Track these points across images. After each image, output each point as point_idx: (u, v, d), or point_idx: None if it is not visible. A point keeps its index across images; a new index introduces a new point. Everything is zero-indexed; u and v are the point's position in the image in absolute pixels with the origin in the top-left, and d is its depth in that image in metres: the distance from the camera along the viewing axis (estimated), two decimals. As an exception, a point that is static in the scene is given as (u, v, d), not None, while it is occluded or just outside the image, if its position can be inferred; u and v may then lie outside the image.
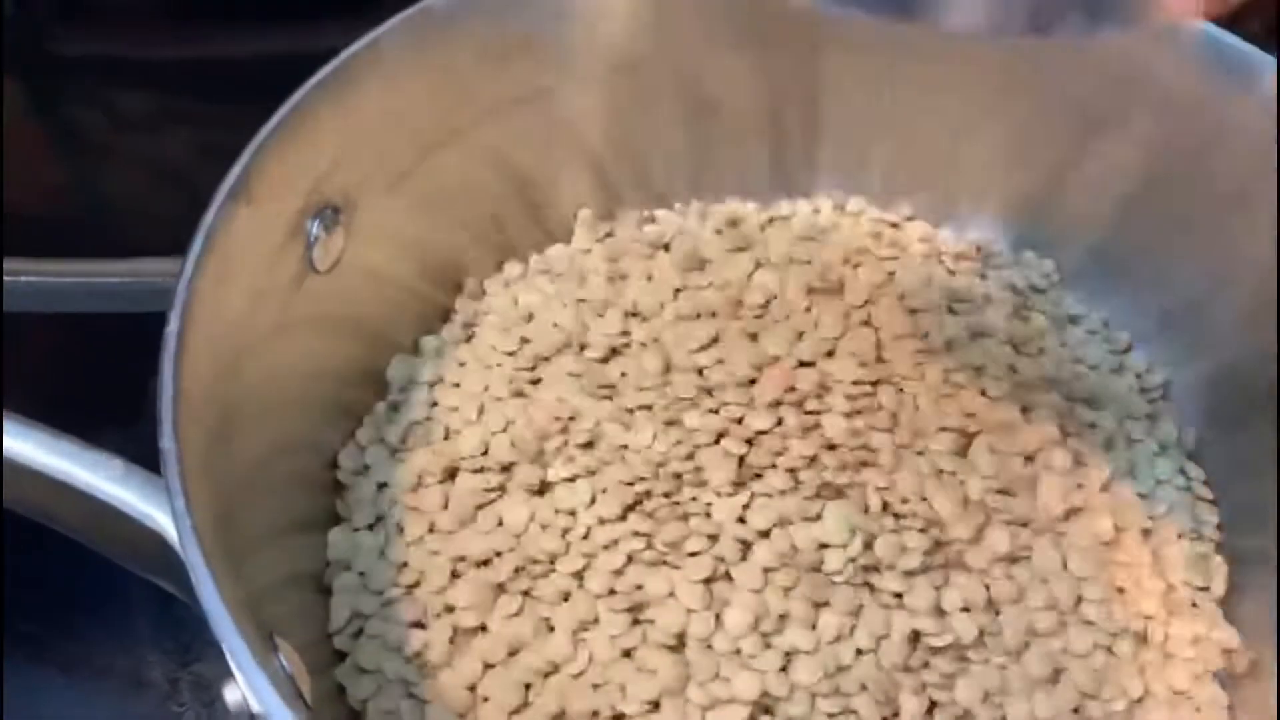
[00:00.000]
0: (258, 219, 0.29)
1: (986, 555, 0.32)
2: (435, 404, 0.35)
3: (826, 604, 0.30)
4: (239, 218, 0.29)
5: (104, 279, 0.31)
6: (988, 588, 0.31)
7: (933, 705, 0.29)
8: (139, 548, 0.26)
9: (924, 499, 0.32)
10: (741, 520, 0.31)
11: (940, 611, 0.30)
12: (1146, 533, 0.34)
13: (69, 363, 0.40)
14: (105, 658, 0.34)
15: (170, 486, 0.23)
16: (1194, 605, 0.33)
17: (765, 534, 0.31)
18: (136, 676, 0.34)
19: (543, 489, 0.32)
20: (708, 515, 0.31)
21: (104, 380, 0.39)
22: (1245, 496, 0.35)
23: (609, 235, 0.40)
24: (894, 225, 0.41)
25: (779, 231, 0.40)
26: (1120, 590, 0.33)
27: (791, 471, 0.31)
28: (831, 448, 0.32)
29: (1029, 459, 0.34)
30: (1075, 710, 0.30)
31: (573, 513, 0.31)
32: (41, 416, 0.27)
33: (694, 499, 0.31)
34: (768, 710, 0.28)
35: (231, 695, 0.24)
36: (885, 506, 0.31)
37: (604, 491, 0.31)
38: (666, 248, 0.39)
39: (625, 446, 0.33)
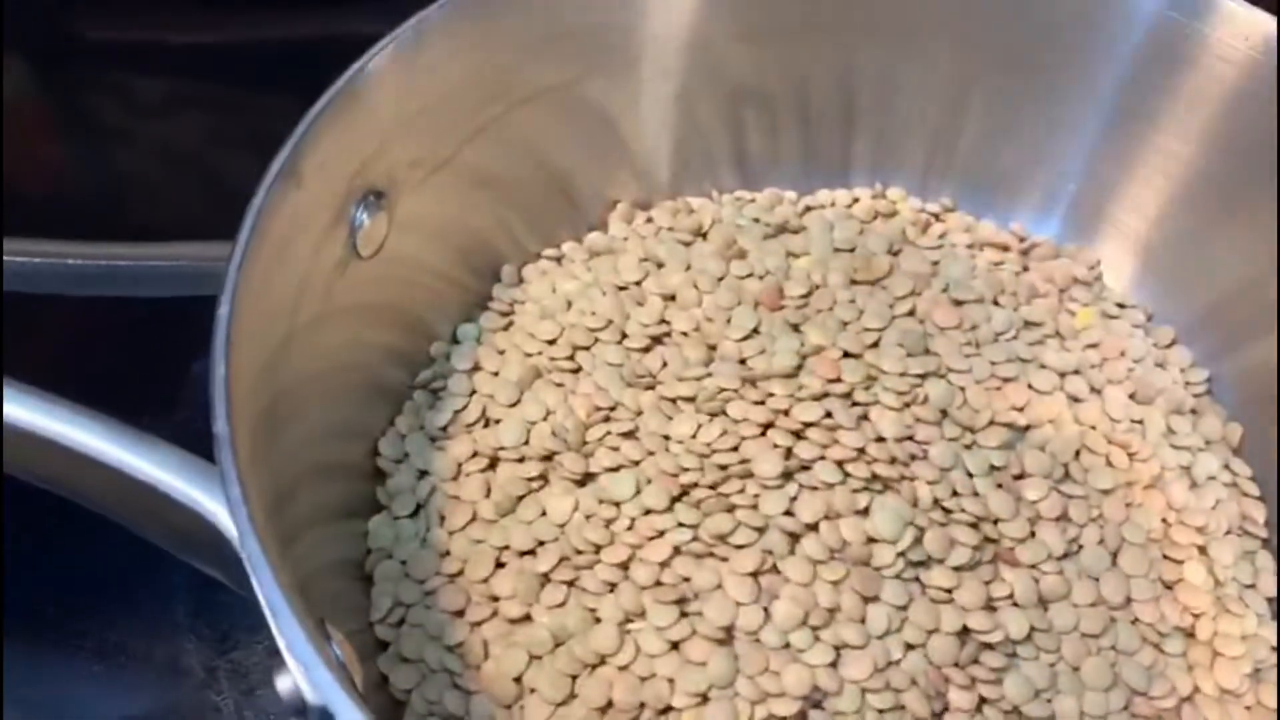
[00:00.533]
0: (305, 201, 0.29)
1: (1038, 552, 0.31)
2: (474, 392, 0.35)
3: (876, 598, 0.29)
4: (287, 200, 0.28)
5: (146, 262, 0.31)
6: (1037, 583, 0.31)
7: (982, 701, 0.29)
8: (190, 535, 0.25)
9: (975, 494, 0.31)
10: (789, 513, 0.30)
11: (990, 607, 0.30)
12: (1194, 529, 0.33)
13: (108, 350, 0.40)
14: (143, 646, 0.34)
15: (225, 474, 0.23)
16: (1242, 602, 0.33)
17: (813, 527, 0.30)
18: (174, 664, 0.34)
19: (585, 479, 0.32)
20: (754, 507, 0.30)
21: (142, 368, 0.38)
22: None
23: (647, 222, 0.40)
24: (935, 215, 0.41)
25: (817, 220, 0.39)
26: (1168, 587, 0.32)
27: (840, 464, 0.31)
28: (880, 440, 0.32)
29: (1077, 454, 0.34)
30: (1125, 708, 0.30)
31: (617, 504, 0.31)
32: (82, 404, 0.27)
33: (741, 491, 0.31)
34: (817, 705, 0.28)
35: (283, 684, 0.23)
36: (935, 501, 0.31)
37: (649, 482, 0.31)
38: (704, 236, 0.39)
39: (668, 437, 0.32)
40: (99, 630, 0.34)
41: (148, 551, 0.33)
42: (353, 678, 0.25)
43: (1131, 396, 0.36)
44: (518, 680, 0.29)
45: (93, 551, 0.34)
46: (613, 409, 0.33)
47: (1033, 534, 0.32)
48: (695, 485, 0.31)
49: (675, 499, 0.31)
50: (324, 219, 0.30)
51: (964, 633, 0.29)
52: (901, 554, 0.30)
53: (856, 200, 0.41)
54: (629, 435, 0.32)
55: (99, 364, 0.39)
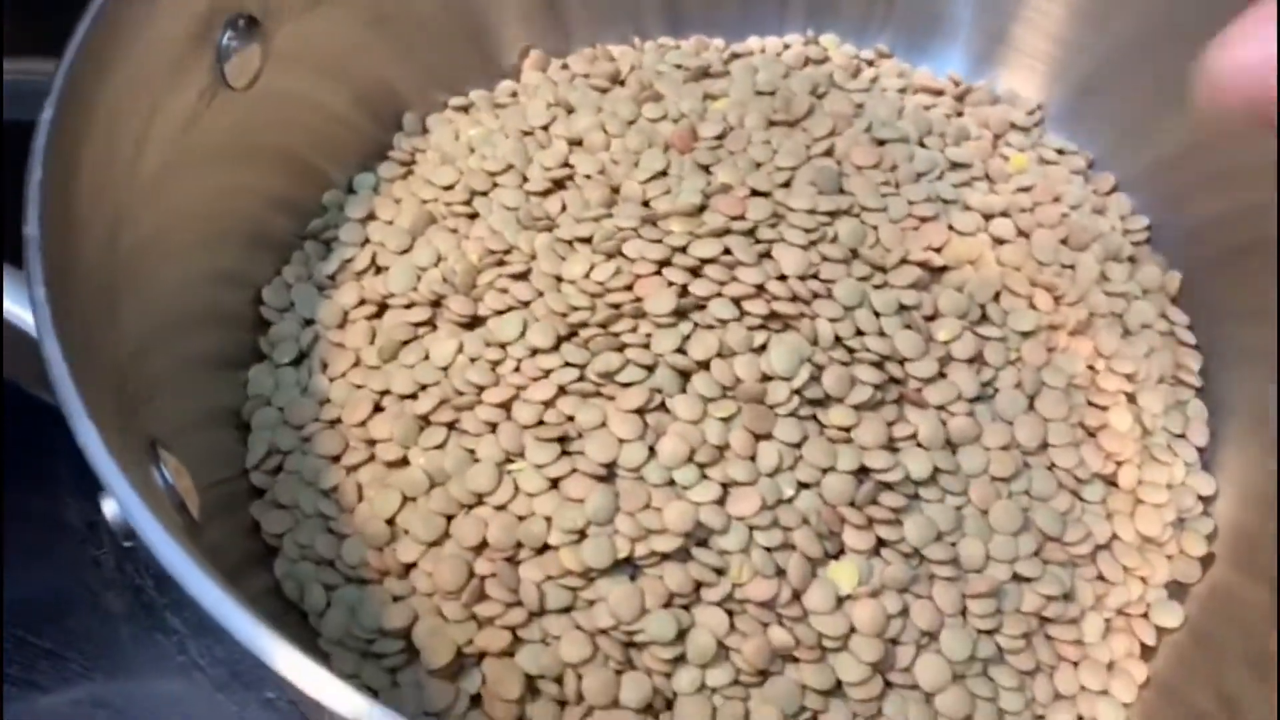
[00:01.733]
0: (155, 15, 0.27)
1: (947, 393, 0.29)
2: (367, 241, 0.33)
3: (768, 436, 0.28)
4: (134, 10, 0.26)
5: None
6: (945, 424, 0.29)
7: (880, 543, 0.27)
8: (20, 355, 0.24)
9: (881, 333, 0.30)
10: (681, 351, 0.29)
11: (892, 448, 0.28)
12: (1122, 376, 0.31)
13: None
14: (22, 501, 0.33)
15: (31, 275, 0.21)
16: (1171, 450, 0.31)
17: (705, 365, 0.28)
18: (54, 520, 0.33)
19: (473, 323, 0.30)
20: (645, 346, 0.29)
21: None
22: (1230, 344, 0.33)
23: (563, 69, 0.38)
24: (869, 62, 0.38)
25: (742, 65, 0.37)
26: (1091, 434, 0.31)
27: (736, 301, 0.29)
28: (781, 278, 0.30)
29: (997, 296, 0.32)
30: (1035, 553, 0.28)
31: (503, 345, 0.29)
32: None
33: (632, 330, 0.29)
34: (702, 543, 0.27)
35: (109, 508, 0.22)
36: (838, 340, 0.29)
37: (536, 322, 0.29)
38: (622, 84, 0.37)
39: (560, 278, 0.30)
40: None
41: (26, 408, 0.31)
42: (185, 502, 0.23)
43: (1064, 242, 0.34)
44: (390, 522, 0.28)
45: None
46: (506, 252, 0.31)
47: (943, 375, 0.30)
48: (585, 324, 0.29)
49: (564, 338, 0.29)
50: (180, 38, 0.28)
51: (862, 472, 0.28)
52: (797, 391, 0.28)
53: (787, 47, 0.39)
54: (520, 278, 0.31)
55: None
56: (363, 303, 0.32)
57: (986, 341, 0.30)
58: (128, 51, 0.26)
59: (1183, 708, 0.28)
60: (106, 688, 0.31)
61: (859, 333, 0.29)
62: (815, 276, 0.30)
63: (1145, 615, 0.29)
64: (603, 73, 0.37)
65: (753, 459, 0.27)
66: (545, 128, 0.35)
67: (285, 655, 0.18)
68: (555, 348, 0.29)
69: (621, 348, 0.29)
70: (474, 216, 0.33)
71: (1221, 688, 0.27)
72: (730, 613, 0.26)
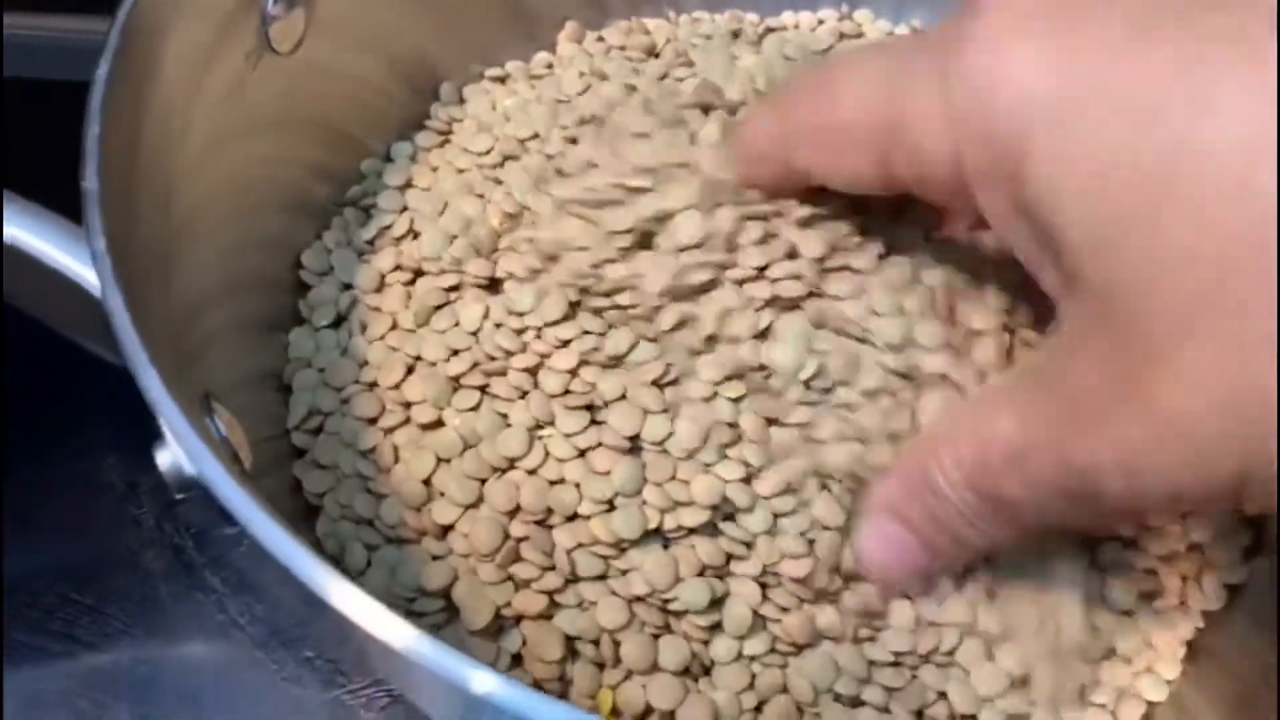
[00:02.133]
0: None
1: (967, 372, 0.29)
2: (405, 208, 0.34)
3: (776, 421, 0.27)
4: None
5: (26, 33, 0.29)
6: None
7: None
8: (84, 312, 0.24)
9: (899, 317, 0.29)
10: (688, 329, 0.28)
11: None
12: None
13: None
14: (63, 460, 0.33)
15: (90, 227, 0.22)
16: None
17: (711, 345, 0.28)
18: (94, 479, 0.33)
19: (493, 285, 0.30)
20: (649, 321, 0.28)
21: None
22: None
23: (598, 41, 0.38)
24: (902, 39, 0.39)
25: (776, 39, 0.37)
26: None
27: (740, 284, 0.28)
28: (791, 258, 0.29)
29: (1019, 289, 0.31)
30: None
31: (522, 314, 0.29)
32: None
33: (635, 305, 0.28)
34: (729, 517, 0.27)
35: (163, 459, 0.23)
36: (849, 322, 0.29)
37: (547, 294, 0.29)
38: (657, 56, 0.37)
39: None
40: (17, 444, 0.33)
41: (69, 366, 0.32)
42: (237, 453, 0.24)
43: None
44: (427, 483, 0.28)
45: (12, 367, 0.34)
46: (519, 214, 0.31)
47: (967, 354, 0.29)
48: (588, 291, 0.28)
49: (575, 304, 0.29)
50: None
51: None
52: (809, 375, 0.27)
53: (821, 22, 0.39)
54: (531, 242, 0.30)
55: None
56: (399, 268, 0.32)
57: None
58: (180, 9, 0.27)
59: (1227, 675, 0.28)
60: (147, 645, 0.31)
61: (875, 313, 0.29)
62: (824, 258, 0.30)
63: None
64: (638, 45, 0.37)
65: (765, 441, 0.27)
66: (581, 94, 0.35)
67: (341, 589, 0.18)
68: (568, 317, 0.29)
69: (629, 321, 0.28)
70: (500, 182, 0.33)
71: (1267, 658, 0.28)
72: (764, 585, 0.26)
